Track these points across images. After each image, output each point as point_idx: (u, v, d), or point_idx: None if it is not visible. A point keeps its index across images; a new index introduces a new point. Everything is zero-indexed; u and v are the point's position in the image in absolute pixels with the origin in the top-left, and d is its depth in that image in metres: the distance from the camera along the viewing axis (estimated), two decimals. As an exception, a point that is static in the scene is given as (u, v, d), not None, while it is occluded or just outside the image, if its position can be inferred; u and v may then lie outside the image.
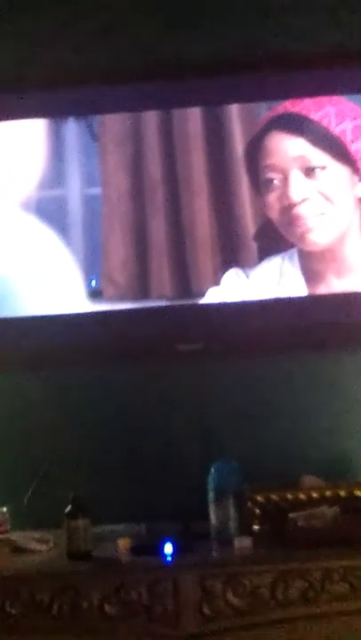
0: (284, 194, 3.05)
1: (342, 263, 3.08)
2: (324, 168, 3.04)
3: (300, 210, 3.04)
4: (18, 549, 2.74)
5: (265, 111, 3.11)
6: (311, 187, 3.04)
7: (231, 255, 3.10)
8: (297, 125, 3.06)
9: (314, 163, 3.04)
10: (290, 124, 3.07)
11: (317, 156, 3.05)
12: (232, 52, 3.08)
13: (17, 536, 2.80)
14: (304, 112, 3.06)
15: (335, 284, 3.08)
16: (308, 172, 3.04)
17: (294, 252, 3.09)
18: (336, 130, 3.05)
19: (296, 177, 3.04)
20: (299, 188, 3.04)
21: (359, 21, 3.08)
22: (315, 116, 3.05)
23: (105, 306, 3.10)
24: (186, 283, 3.11)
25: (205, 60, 3.07)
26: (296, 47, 3.06)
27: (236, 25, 3.09)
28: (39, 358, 3.05)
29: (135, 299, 3.12)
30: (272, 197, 3.07)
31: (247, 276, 3.09)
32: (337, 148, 3.05)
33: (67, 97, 3.11)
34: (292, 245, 3.08)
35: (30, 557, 2.69)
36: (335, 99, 3.07)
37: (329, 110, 3.05)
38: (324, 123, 3.05)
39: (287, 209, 3.05)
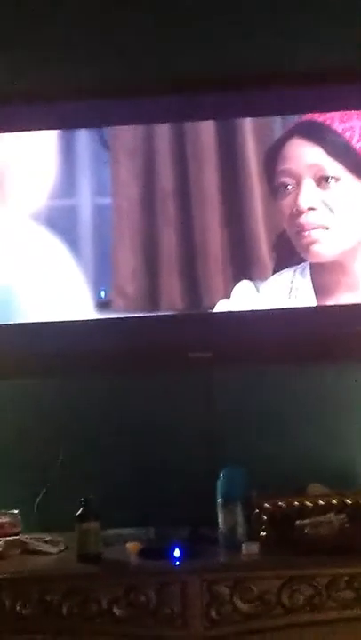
0: (294, 200, 3.05)
1: (354, 278, 3.07)
2: (338, 180, 3.04)
3: (305, 218, 3.04)
4: (29, 551, 2.75)
5: (279, 125, 3.10)
6: (320, 197, 3.04)
7: (242, 268, 3.09)
8: (318, 134, 3.05)
9: (328, 173, 3.04)
10: (311, 132, 3.06)
11: (333, 167, 3.04)
12: (245, 67, 3.08)
13: (28, 538, 2.81)
14: (328, 122, 3.06)
15: (346, 299, 3.06)
16: (321, 181, 3.04)
17: (306, 266, 3.08)
18: (358, 144, 3.04)
19: (308, 185, 3.05)
20: (308, 195, 3.04)
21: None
22: (338, 128, 3.05)
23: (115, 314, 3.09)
24: (196, 295, 3.10)
25: (219, 73, 3.08)
26: (310, 62, 3.07)
27: (249, 39, 3.11)
28: (50, 365, 3.05)
29: (144, 310, 3.11)
30: (285, 203, 3.07)
31: (258, 289, 3.08)
32: (354, 162, 3.04)
33: (80, 109, 3.12)
34: (304, 259, 3.07)
35: (41, 559, 2.70)
36: (363, 114, 3.07)
37: (354, 124, 3.04)
38: (347, 135, 3.04)
39: (295, 216, 3.05)
